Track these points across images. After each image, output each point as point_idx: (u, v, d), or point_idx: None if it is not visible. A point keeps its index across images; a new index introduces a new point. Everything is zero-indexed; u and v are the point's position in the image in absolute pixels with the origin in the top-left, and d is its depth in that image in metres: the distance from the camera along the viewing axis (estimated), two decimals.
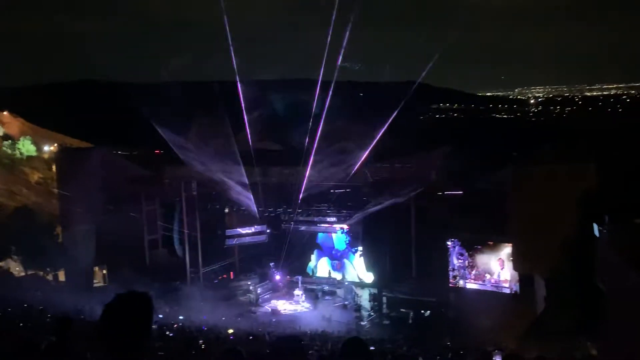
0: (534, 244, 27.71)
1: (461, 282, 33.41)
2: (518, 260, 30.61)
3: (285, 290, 39.08)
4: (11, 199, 50.28)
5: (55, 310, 23.42)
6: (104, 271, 43.48)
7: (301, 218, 38.38)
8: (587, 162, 27.65)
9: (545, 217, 26.91)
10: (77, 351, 5.05)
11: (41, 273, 40.36)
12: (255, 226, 40.88)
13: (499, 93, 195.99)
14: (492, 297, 32.10)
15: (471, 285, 33.26)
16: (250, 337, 23.97)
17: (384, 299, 35.38)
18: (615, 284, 22.27)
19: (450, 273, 33.45)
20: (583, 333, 24.56)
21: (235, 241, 41.21)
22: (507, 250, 31.76)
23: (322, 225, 39.27)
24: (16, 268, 41.55)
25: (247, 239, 41.26)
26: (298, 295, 37.77)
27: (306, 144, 34.16)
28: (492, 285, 32.71)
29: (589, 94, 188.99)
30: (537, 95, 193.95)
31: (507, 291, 32.17)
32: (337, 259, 40.74)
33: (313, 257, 41.46)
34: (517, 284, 31.58)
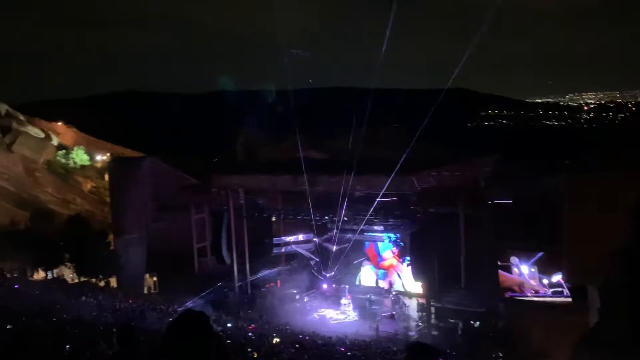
0: (586, 253, 26.94)
1: None
2: (570, 270, 29.92)
3: (332, 299, 38.87)
4: (65, 208, 51.62)
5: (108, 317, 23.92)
6: (154, 278, 44.26)
7: (348, 227, 37.96)
8: None
9: (598, 227, 26.16)
10: None
11: (93, 280, 41.14)
12: (303, 234, 40.90)
13: (549, 100, 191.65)
14: (545, 308, 31.49)
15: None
16: (297, 346, 23.99)
17: (432, 309, 34.76)
18: None
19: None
20: (637, 345, 23.76)
21: (282, 250, 41.30)
22: None
23: (370, 234, 38.92)
24: (69, 275, 42.48)
25: (294, 247, 41.32)
26: (345, 305, 37.63)
27: (352, 152, 33.85)
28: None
29: None
30: (589, 101, 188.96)
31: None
32: (384, 268, 40.41)
33: (361, 266, 41.21)
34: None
